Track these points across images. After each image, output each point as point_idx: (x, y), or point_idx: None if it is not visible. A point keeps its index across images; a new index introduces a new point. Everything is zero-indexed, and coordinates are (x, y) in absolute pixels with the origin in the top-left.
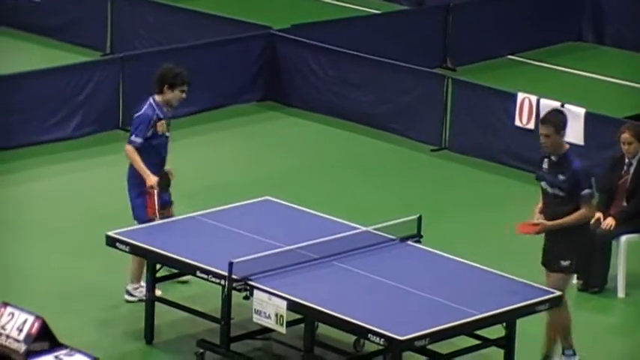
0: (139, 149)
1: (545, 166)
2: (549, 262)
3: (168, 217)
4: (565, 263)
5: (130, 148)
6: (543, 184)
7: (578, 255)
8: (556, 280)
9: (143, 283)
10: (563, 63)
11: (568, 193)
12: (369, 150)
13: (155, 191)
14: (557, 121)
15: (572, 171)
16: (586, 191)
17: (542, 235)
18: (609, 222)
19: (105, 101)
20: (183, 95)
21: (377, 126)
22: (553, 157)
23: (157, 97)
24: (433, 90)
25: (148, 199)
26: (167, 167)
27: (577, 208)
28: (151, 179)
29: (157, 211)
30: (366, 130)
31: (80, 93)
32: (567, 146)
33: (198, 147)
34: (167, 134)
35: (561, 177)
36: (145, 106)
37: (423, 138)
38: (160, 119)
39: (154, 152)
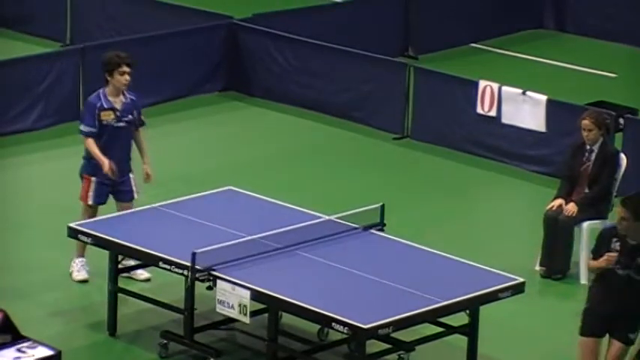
0: (96, 137)
1: (616, 247)
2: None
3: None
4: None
5: (82, 138)
6: (621, 271)
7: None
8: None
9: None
10: (525, 50)
11: None
12: (331, 139)
13: (94, 179)
14: (637, 207)
15: None
16: None
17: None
18: (571, 208)
19: (65, 92)
20: (125, 77)
21: (339, 115)
22: (630, 241)
23: (105, 88)
24: (395, 78)
25: (85, 184)
26: (145, 167)
27: None
28: (105, 165)
29: (89, 198)
30: (329, 119)
31: (40, 84)
32: None
33: (159, 138)
34: (118, 124)
35: None
36: (93, 95)
37: (385, 126)
38: (104, 109)
39: (109, 143)
